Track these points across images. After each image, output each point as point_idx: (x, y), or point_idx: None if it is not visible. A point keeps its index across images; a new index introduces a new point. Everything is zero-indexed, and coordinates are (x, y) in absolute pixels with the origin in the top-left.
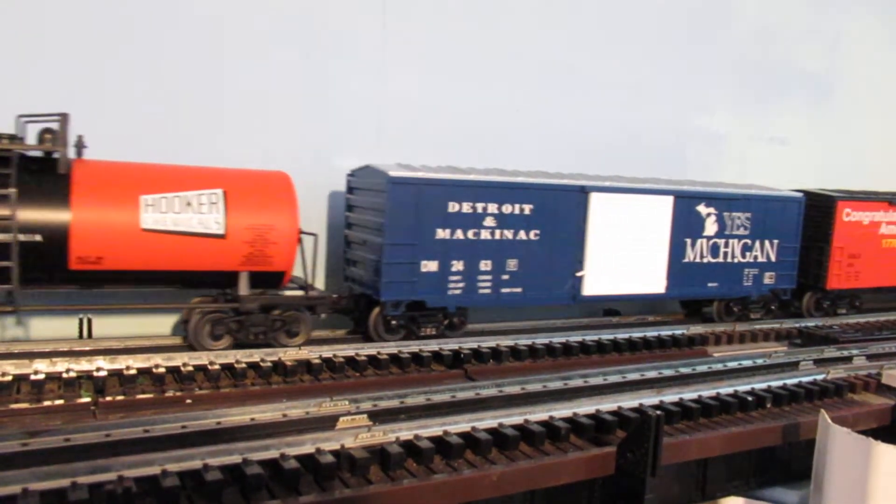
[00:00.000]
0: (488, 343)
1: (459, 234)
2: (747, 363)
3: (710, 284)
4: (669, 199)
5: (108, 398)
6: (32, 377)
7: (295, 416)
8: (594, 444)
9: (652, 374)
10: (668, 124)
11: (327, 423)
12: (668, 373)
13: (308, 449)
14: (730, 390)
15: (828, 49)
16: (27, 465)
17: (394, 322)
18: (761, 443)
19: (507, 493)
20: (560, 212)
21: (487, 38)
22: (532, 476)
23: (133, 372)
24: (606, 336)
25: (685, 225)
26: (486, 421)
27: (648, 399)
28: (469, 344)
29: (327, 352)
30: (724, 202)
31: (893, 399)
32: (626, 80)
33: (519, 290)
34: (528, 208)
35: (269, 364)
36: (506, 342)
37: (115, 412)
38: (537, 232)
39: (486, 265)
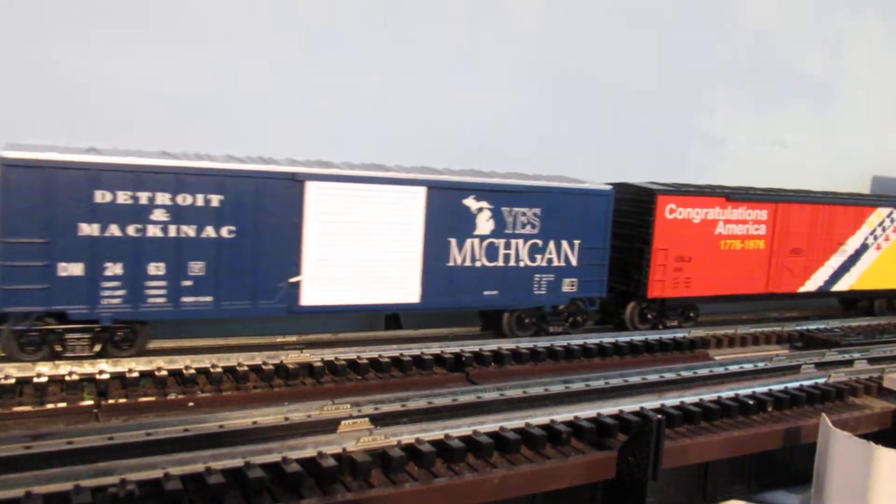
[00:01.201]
0: (490, 346)
1: (115, 231)
2: (749, 366)
3: (486, 293)
4: (420, 191)
5: (111, 401)
6: (35, 380)
7: (297, 419)
8: (595, 448)
9: (653, 377)
10: (669, 125)
11: (329, 426)
12: (669, 376)
13: (310, 452)
14: (731, 394)
15: (829, 51)
16: (30, 468)
17: (23, 339)
18: (762, 446)
19: (508, 497)
20: (265, 205)
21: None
22: (533, 479)
23: (135, 375)
24: (608, 339)
25: (447, 222)
26: (488, 424)
27: (650, 402)
28: (471, 347)
29: (329, 355)
30: (502, 195)
31: (895, 403)
32: (626, 81)
33: (208, 299)
34: (215, 199)
35: (270, 367)
36: (507, 345)
37: (117, 415)
38: (232, 228)
39: (157, 268)
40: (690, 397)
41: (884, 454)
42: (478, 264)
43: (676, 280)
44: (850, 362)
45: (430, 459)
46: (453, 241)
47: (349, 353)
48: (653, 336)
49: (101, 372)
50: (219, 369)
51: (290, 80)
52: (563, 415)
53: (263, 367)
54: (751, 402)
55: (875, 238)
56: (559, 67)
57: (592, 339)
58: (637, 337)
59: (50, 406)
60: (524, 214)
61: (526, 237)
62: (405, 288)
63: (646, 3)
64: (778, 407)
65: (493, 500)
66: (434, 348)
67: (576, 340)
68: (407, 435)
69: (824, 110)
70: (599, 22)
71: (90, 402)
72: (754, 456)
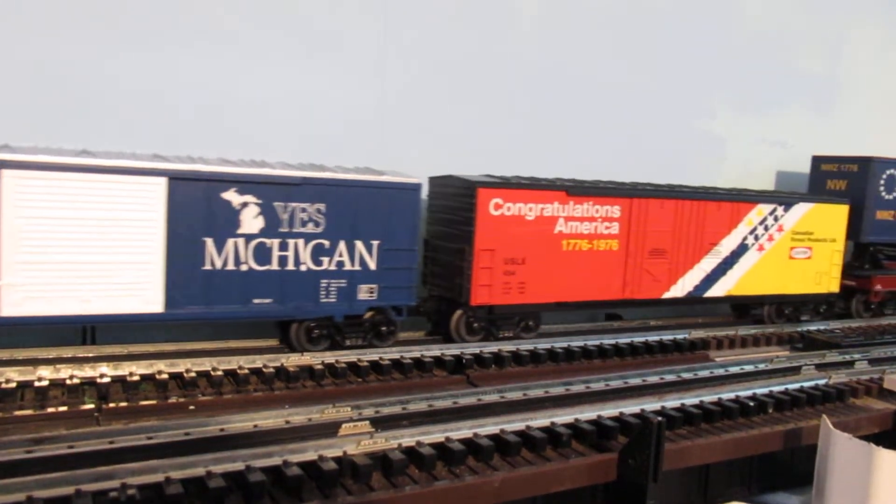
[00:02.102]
0: (490, 348)
1: None
2: (749, 368)
3: (257, 301)
4: (159, 182)
5: (112, 404)
6: (36, 384)
7: (297, 422)
8: (596, 450)
9: (654, 379)
10: (670, 127)
11: (330, 429)
12: (669, 378)
13: (311, 456)
14: (731, 395)
15: (830, 52)
16: (32, 472)
17: None
18: (763, 448)
19: (509, 499)
20: None
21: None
22: (534, 482)
23: (136, 378)
24: (608, 340)
25: (201, 219)
26: (488, 427)
27: (650, 405)
28: (471, 349)
29: (329, 357)
30: (274, 189)
31: (895, 404)
32: (626, 83)
33: None
34: None
35: (271, 370)
36: (508, 347)
37: (118, 418)
38: None
39: None
40: (691, 399)
41: (884, 456)
42: (244, 268)
43: (507, 285)
44: (850, 363)
45: (431, 462)
46: (210, 242)
47: (350, 356)
48: (653, 337)
49: (101, 375)
50: (219, 372)
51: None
52: (563, 417)
53: (264, 369)
54: (751, 403)
55: (756, 238)
56: (554, 69)
57: (593, 341)
58: (637, 339)
59: (51, 410)
60: (304, 211)
61: (308, 237)
62: (142, 296)
63: (646, 4)
64: (778, 408)
65: (494, 502)
66: (434, 350)
67: (576, 342)
68: (407, 438)
69: (825, 111)
70: (600, 23)
71: (91, 406)
72: (755, 458)
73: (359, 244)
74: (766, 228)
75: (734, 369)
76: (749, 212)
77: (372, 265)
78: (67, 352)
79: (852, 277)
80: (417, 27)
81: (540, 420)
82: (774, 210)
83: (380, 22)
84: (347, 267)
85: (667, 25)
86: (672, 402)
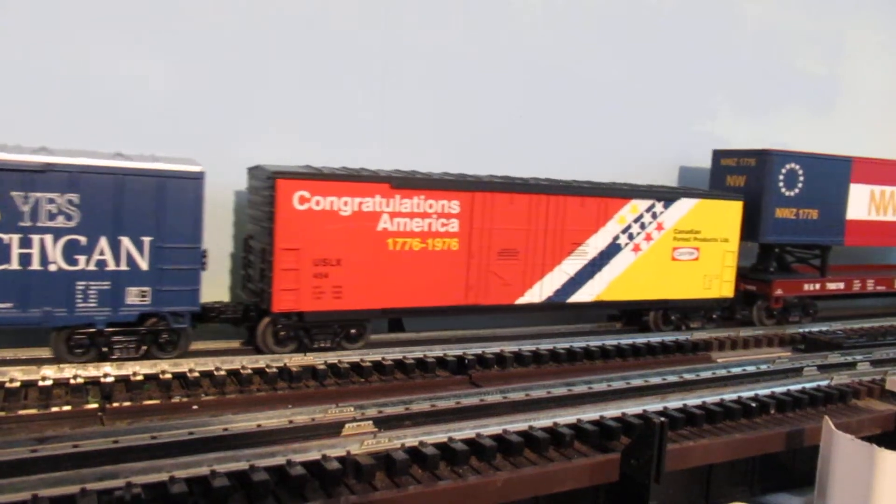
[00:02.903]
0: (493, 349)
1: None
2: (751, 369)
3: None
4: None
5: (116, 404)
6: (40, 383)
7: (301, 422)
8: (598, 451)
9: (656, 379)
10: (671, 128)
11: (333, 429)
12: (672, 379)
13: (314, 455)
14: (734, 396)
15: (831, 54)
16: (36, 471)
17: None
18: (765, 449)
19: (511, 500)
20: None
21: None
22: (536, 482)
23: (140, 378)
24: (610, 341)
25: None
26: (491, 427)
27: (652, 405)
28: (473, 350)
29: (332, 357)
30: (8, 175)
31: None
32: (628, 84)
33: None
34: None
35: (274, 370)
36: (510, 348)
37: (122, 418)
38: None
39: None
40: (693, 400)
41: (886, 457)
42: None
43: (319, 290)
44: (852, 364)
45: (434, 462)
46: None
47: (352, 356)
48: (655, 338)
49: (105, 375)
50: (223, 372)
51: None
52: (566, 417)
53: (267, 369)
54: (753, 404)
55: (631, 237)
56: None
57: (595, 342)
58: (640, 339)
59: (55, 409)
60: (53, 202)
61: (58, 232)
62: None
63: (647, 5)
64: (780, 409)
65: (497, 502)
66: (437, 351)
67: (578, 343)
68: (410, 438)
69: (826, 111)
70: (600, 25)
71: (95, 406)
72: (757, 458)
73: (125, 241)
74: (643, 227)
75: (736, 370)
76: (621, 208)
77: (143, 265)
78: None
79: (752, 281)
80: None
81: (542, 420)
82: (652, 206)
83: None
84: (111, 267)
85: (667, 26)
86: (674, 402)
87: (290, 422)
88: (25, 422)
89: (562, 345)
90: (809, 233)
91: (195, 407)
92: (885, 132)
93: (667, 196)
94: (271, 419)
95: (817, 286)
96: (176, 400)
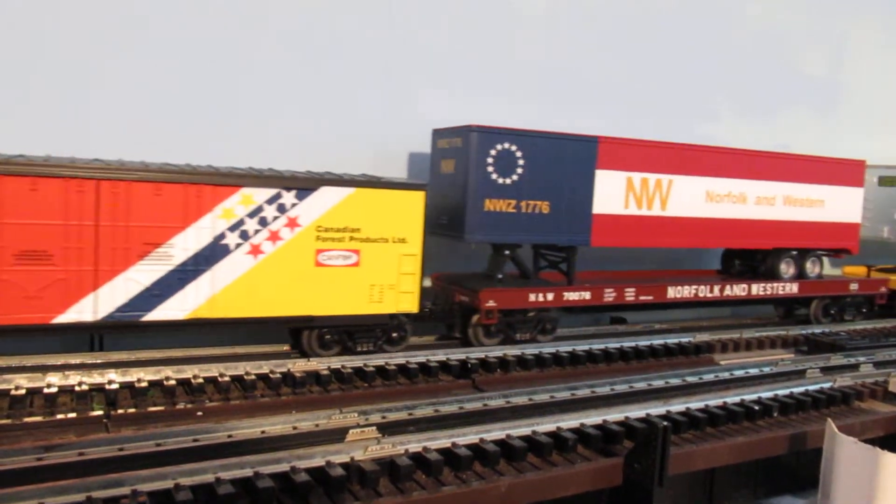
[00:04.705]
0: (496, 353)
1: None
2: (754, 371)
3: None
4: None
5: (120, 411)
6: (45, 390)
7: (305, 428)
8: (602, 455)
9: (659, 383)
10: (672, 130)
11: (337, 435)
12: (674, 382)
13: (318, 462)
14: (736, 399)
15: (832, 55)
16: (43, 479)
17: None
18: (768, 452)
19: None
20: None
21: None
22: (540, 487)
23: (144, 384)
24: (613, 344)
25: None
26: (495, 432)
27: (655, 409)
28: (476, 354)
29: (336, 363)
30: None
31: None
32: (629, 85)
33: None
34: None
35: (278, 375)
36: (513, 352)
37: (127, 425)
38: None
39: None
40: (696, 403)
41: (890, 459)
42: None
43: None
44: (855, 366)
45: (438, 468)
46: None
47: (356, 361)
48: (658, 341)
49: (110, 382)
50: (227, 378)
51: None
52: (569, 422)
53: (271, 375)
54: (756, 407)
55: (244, 237)
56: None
57: (598, 345)
58: (642, 342)
59: (60, 417)
60: None
61: None
62: None
63: (648, 6)
64: (783, 412)
65: None
66: (440, 355)
67: (581, 346)
68: (414, 443)
69: (827, 112)
70: (599, 26)
71: (100, 413)
72: (760, 461)
73: None
74: (264, 223)
75: (739, 373)
76: (225, 199)
77: None
78: (75, 358)
79: (465, 291)
80: None
81: (546, 425)
82: (277, 197)
83: None
84: None
85: (667, 28)
86: (677, 406)
87: (295, 428)
88: (31, 429)
89: (564, 348)
90: (538, 230)
91: (200, 413)
92: (890, 133)
93: (302, 185)
94: (275, 425)
95: (549, 296)
96: (180, 406)
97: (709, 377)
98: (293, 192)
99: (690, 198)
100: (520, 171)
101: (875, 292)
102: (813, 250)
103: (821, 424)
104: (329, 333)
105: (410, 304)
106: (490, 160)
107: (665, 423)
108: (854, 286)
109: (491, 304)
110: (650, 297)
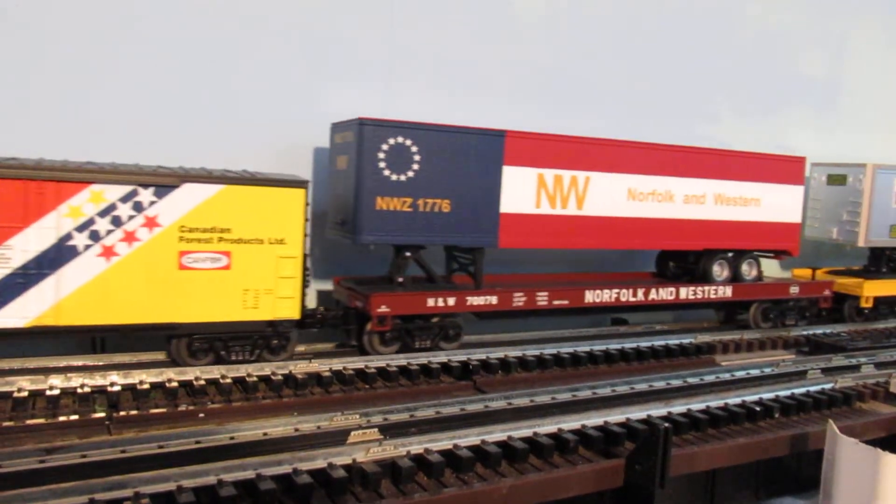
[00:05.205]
0: (497, 354)
1: None
2: (755, 372)
3: None
4: None
5: (122, 413)
6: (48, 393)
7: (307, 430)
8: (603, 456)
9: (660, 384)
10: (674, 132)
11: (339, 437)
12: (675, 383)
13: (320, 463)
14: (738, 400)
15: (833, 55)
16: (45, 481)
17: None
18: (769, 453)
19: None
20: None
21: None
22: (541, 489)
23: (146, 386)
24: (614, 346)
25: None
26: (496, 434)
27: (656, 410)
28: (477, 355)
29: (337, 364)
30: None
31: None
32: (630, 87)
33: None
34: None
35: (279, 377)
36: (514, 353)
37: (129, 427)
38: None
39: None
40: (697, 404)
41: (891, 461)
42: None
43: None
44: (856, 367)
45: (440, 469)
46: None
47: (357, 363)
48: (659, 342)
49: (112, 384)
50: (228, 380)
51: None
52: (570, 423)
53: (272, 377)
54: (757, 408)
55: (96, 237)
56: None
57: (599, 346)
58: (643, 343)
59: (62, 418)
60: None
61: None
62: None
63: (648, 8)
64: (785, 413)
65: None
66: (441, 357)
67: (582, 347)
68: (416, 445)
69: (827, 112)
70: (600, 27)
71: (102, 415)
72: (761, 462)
73: None
74: (118, 223)
75: (740, 374)
76: (71, 197)
77: None
78: (78, 360)
79: (359, 295)
80: None
81: (547, 426)
82: (133, 195)
83: None
84: None
85: (667, 28)
86: (678, 407)
87: (296, 430)
88: (33, 431)
89: (566, 349)
90: (438, 231)
91: (201, 415)
92: (890, 132)
93: (159, 181)
94: (277, 427)
95: (450, 301)
96: (182, 408)
97: (710, 378)
98: (151, 190)
99: (610, 196)
100: (416, 167)
101: (818, 295)
102: (749, 252)
103: (822, 425)
104: (198, 342)
105: (290, 310)
106: (382, 155)
107: (666, 424)
108: (794, 289)
109: (383, 309)
110: (565, 302)
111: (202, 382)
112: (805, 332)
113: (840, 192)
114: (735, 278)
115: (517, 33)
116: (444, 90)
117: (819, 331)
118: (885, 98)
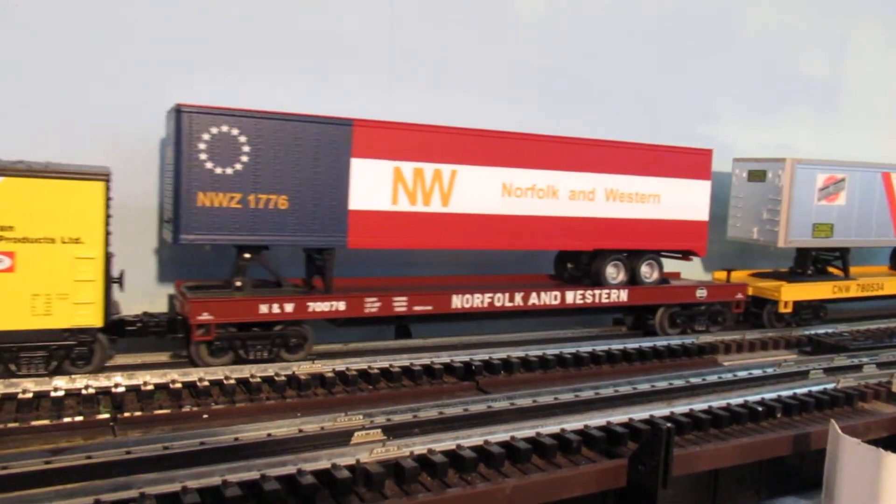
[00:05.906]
0: (499, 354)
1: None
2: (757, 372)
3: None
4: None
5: (127, 414)
6: (52, 394)
7: (310, 431)
8: (606, 457)
9: (662, 384)
10: (674, 132)
11: (342, 437)
12: (678, 383)
13: (324, 464)
14: (740, 400)
15: (833, 55)
16: (50, 483)
17: None
18: (772, 453)
19: None
20: None
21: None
22: (544, 489)
23: (150, 388)
24: (616, 346)
25: None
26: (499, 434)
27: (659, 411)
28: (480, 356)
29: (340, 365)
30: None
31: None
32: (630, 88)
33: None
34: None
35: (283, 378)
36: (517, 353)
37: (133, 428)
38: None
39: None
40: (699, 404)
41: (893, 460)
42: None
43: None
44: (859, 367)
45: (443, 470)
46: None
47: (360, 364)
48: (661, 342)
49: (116, 385)
50: (232, 381)
51: None
52: (573, 424)
53: (276, 378)
54: (760, 408)
55: None
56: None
57: (601, 346)
58: (646, 343)
59: (67, 420)
60: None
61: None
62: None
63: (648, 8)
64: (787, 413)
65: None
66: (444, 357)
67: (584, 348)
68: (419, 446)
69: (827, 112)
70: (599, 27)
71: (107, 416)
72: (764, 462)
73: None
74: None
75: (742, 374)
76: None
77: None
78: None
79: (184, 301)
80: None
81: (550, 427)
82: None
83: None
84: None
85: (667, 28)
86: (681, 407)
87: (300, 431)
88: (38, 433)
89: (568, 350)
90: (274, 229)
91: (206, 416)
92: (890, 132)
93: None
94: (281, 428)
95: (288, 308)
96: (186, 409)
97: (712, 378)
98: None
99: (481, 192)
100: (245, 158)
101: (730, 300)
102: (647, 252)
103: (824, 425)
104: None
105: (92, 318)
106: (203, 146)
107: (669, 424)
108: (702, 293)
109: (205, 317)
110: (429, 308)
111: (206, 383)
112: (807, 332)
113: (760, 189)
114: (633, 281)
115: (517, 33)
116: (444, 90)
117: (821, 331)
118: (886, 98)
